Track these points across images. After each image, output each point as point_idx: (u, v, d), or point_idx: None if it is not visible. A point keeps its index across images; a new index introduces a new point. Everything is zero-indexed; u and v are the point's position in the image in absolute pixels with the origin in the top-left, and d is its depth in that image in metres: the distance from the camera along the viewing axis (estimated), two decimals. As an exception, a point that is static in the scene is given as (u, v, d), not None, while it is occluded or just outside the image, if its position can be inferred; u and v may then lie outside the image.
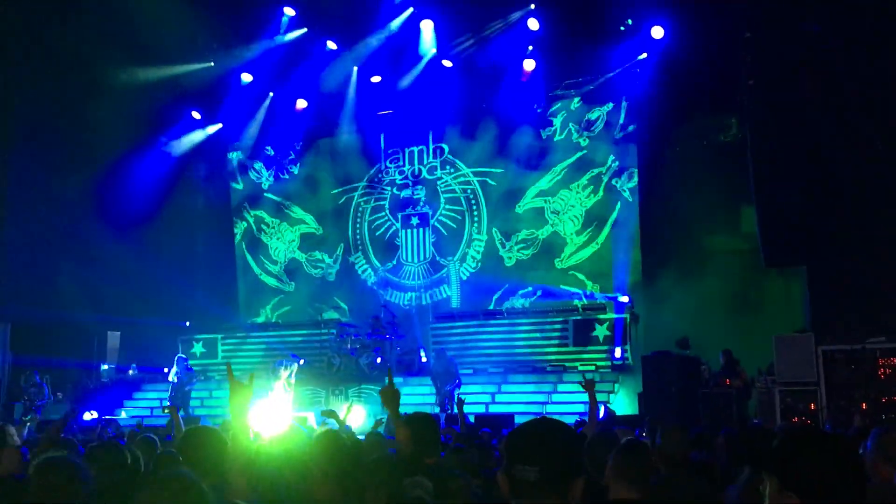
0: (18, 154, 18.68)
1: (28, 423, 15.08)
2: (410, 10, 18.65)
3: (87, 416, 16.07)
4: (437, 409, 15.06)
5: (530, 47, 18.48)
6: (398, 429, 4.48)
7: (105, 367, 20.43)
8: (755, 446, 4.87)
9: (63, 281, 19.27)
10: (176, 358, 18.13)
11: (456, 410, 14.51)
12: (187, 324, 21.50)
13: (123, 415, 18.07)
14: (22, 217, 18.75)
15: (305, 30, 19.18)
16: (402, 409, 4.66)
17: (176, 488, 2.90)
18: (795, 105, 13.94)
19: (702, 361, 14.37)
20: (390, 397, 4.56)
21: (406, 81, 19.60)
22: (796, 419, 12.46)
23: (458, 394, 14.04)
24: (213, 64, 20.04)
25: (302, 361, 17.84)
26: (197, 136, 22.12)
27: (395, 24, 18.71)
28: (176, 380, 17.42)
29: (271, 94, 21.12)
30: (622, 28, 17.42)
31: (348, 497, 3.94)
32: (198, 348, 20.89)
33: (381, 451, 5.34)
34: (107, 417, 16.32)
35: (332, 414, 7.11)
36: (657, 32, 17.07)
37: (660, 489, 4.15)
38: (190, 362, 19.16)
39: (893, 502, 3.87)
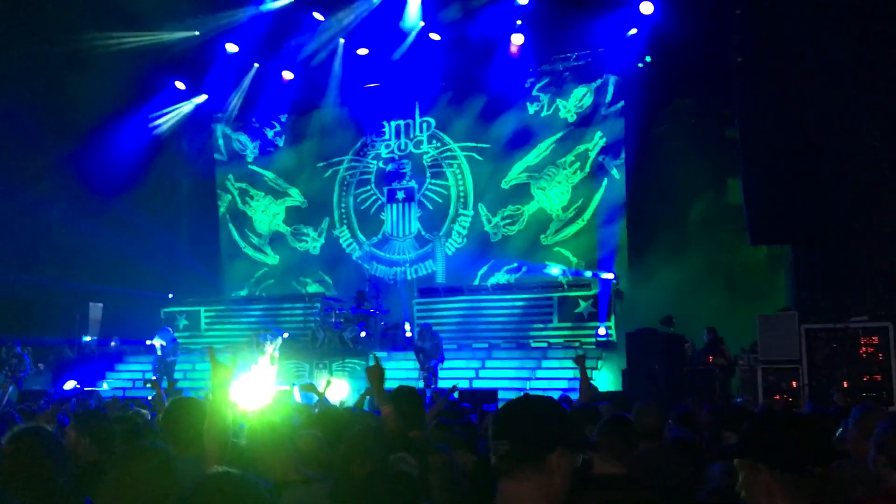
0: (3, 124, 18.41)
1: (8, 390, 15.06)
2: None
3: (69, 385, 15.96)
4: (420, 385, 15.05)
5: (518, 22, 18.31)
6: (383, 406, 4.47)
7: (87, 338, 20.31)
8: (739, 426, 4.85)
9: (45, 253, 19.12)
10: (161, 328, 17.98)
11: (437, 386, 14.61)
12: (170, 296, 21.37)
13: (105, 386, 17.96)
14: (1, 189, 18.52)
15: (292, -1, 18.92)
16: (386, 385, 4.65)
17: (146, 460, 2.91)
18: (784, 84, 13.89)
19: (686, 339, 14.41)
20: (376, 375, 4.61)
21: (394, 55, 19.40)
22: (778, 397, 12.52)
23: (450, 387, 13.98)
24: (197, 33, 19.76)
25: (286, 335, 17.77)
26: (183, 109, 21.90)
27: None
28: (160, 352, 17.31)
29: (256, 64, 20.84)
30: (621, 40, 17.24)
31: (332, 468, 3.91)
32: (181, 321, 20.78)
33: (365, 422, 5.31)
34: (88, 389, 16.24)
35: (311, 387, 7.09)
36: (646, 8, 16.94)
37: (639, 463, 4.14)
38: (173, 333, 19.11)
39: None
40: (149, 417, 6.85)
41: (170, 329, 18.32)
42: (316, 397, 6.72)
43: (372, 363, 4.69)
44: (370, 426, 4.08)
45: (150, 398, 10.30)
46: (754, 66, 14.41)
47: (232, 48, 20.18)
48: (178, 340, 18.38)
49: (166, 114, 21.54)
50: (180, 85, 21.11)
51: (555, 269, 18.41)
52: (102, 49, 18.23)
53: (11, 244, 18.63)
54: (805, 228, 14.00)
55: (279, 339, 16.97)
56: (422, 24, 18.77)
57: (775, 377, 12.74)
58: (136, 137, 20.46)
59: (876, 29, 13.13)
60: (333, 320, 17.94)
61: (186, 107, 21.96)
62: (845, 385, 12.23)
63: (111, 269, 19.69)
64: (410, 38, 19.09)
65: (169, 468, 2.93)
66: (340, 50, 20.17)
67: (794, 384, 12.69)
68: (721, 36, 15.38)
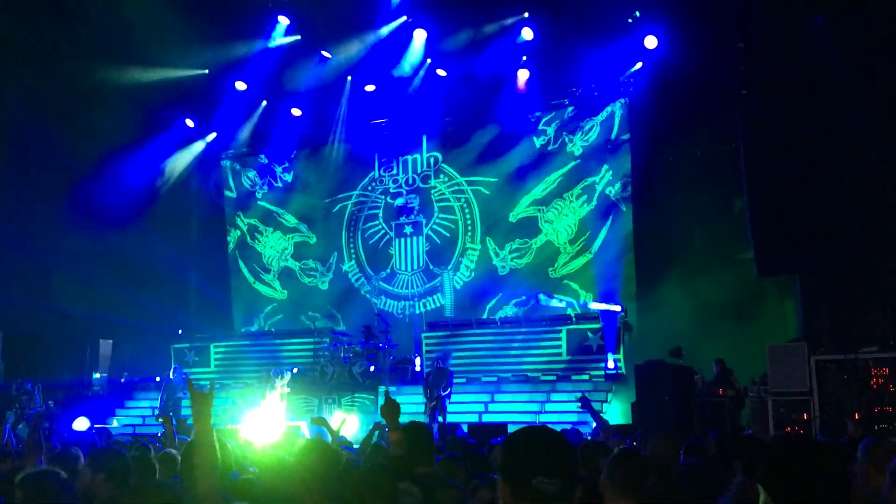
0: (8, 161, 18.62)
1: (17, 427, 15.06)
2: (404, 17, 18.61)
3: (79, 423, 15.98)
4: (426, 419, 14.98)
5: (524, 57, 18.50)
6: (392, 432, 4.47)
7: (97, 375, 20.35)
8: (746, 455, 4.86)
9: (55, 290, 19.22)
10: (173, 367, 17.99)
11: (446, 420, 14.53)
12: (180, 332, 21.41)
13: (115, 423, 17.97)
14: (13, 226, 18.69)
15: (299, 37, 19.13)
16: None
17: (158, 495, 2.96)
18: (788, 115, 13.98)
19: (695, 371, 14.35)
20: (390, 411, 4.60)
21: (401, 90, 19.58)
22: (789, 429, 12.45)
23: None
24: (206, 71, 20.01)
25: (295, 370, 17.77)
26: (195, 148, 22.10)
27: (388, 31, 18.65)
28: (171, 386, 17.22)
29: (265, 102, 21.06)
30: (630, 21, 17.27)
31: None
32: (190, 357, 20.80)
33: (375, 459, 5.33)
34: (98, 426, 16.25)
35: (322, 422, 7.06)
36: (650, 42, 17.11)
37: (649, 496, 4.14)
38: (183, 370, 19.14)
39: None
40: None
41: (181, 367, 18.32)
42: (328, 434, 6.68)
43: (383, 400, 4.69)
44: (378, 463, 4.09)
45: (159, 434, 10.32)
46: (758, 97, 14.52)
47: (241, 86, 20.41)
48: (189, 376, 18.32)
49: (178, 160, 21.77)
50: (190, 123, 21.32)
51: (558, 303, 18.34)
52: (114, 87, 18.45)
53: (23, 281, 18.76)
54: (812, 258, 13.99)
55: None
56: (428, 61, 18.96)
57: (786, 409, 12.68)
58: (147, 173, 20.64)
59: (880, 62, 13.23)
60: (342, 355, 17.93)
61: (197, 146, 22.17)
62: (857, 416, 12.16)
63: (121, 306, 19.78)
64: (415, 74, 19.29)
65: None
66: (348, 86, 20.37)
67: (804, 416, 12.62)
68: (725, 68, 15.50)
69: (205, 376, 20.23)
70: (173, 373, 17.45)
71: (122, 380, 19.94)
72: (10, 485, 4.22)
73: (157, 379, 18.26)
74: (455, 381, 15.77)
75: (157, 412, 17.23)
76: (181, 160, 22.05)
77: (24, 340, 18.97)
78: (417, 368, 18.00)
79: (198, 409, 3.60)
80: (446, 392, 15.07)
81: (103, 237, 19.46)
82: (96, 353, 20.47)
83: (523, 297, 19.09)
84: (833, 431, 10.89)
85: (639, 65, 17.68)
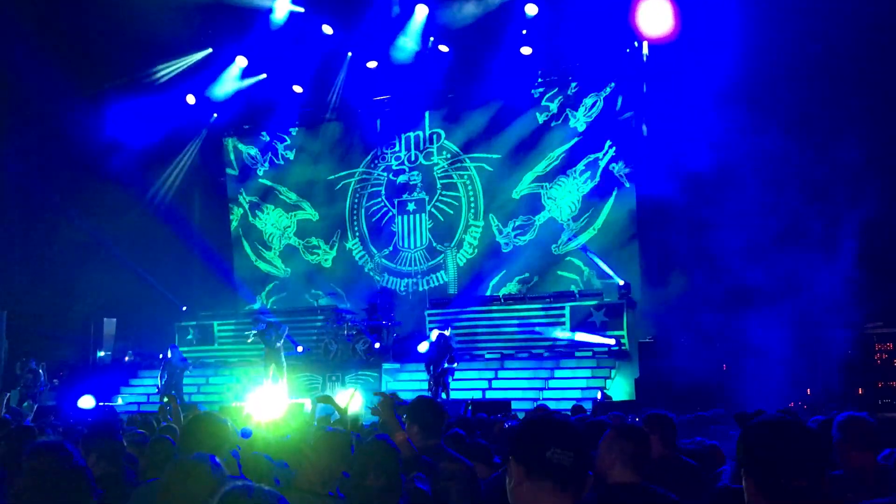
0: (11, 145, 18.55)
1: (25, 411, 15.08)
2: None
3: (85, 401, 16.02)
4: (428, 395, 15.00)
5: (524, 31, 18.32)
6: (396, 434, 4.49)
7: (101, 353, 20.42)
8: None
9: (59, 269, 19.25)
10: (169, 346, 17.90)
11: (444, 396, 14.55)
12: (184, 308, 21.45)
13: (120, 401, 18.04)
14: (17, 206, 18.69)
15: (302, 9, 18.95)
16: (401, 395, 4.71)
17: (198, 472, 3.01)
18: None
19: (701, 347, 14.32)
20: (387, 406, 4.72)
21: (402, 65, 19.45)
22: (792, 404, 12.46)
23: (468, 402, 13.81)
24: (210, 50, 19.91)
25: (300, 349, 17.81)
26: (197, 125, 22.03)
27: (393, 9, 18.50)
28: (170, 363, 17.19)
29: (264, 75, 20.85)
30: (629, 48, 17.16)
31: (345, 480, 3.93)
32: (193, 334, 20.85)
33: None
34: (102, 404, 16.31)
35: (328, 400, 7.05)
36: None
37: (652, 472, 4.14)
38: (185, 348, 19.24)
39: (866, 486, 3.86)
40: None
41: (176, 346, 18.18)
42: (335, 411, 6.68)
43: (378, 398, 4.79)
44: (381, 442, 4.10)
45: (157, 410, 10.34)
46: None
47: (242, 62, 20.30)
48: (188, 358, 18.24)
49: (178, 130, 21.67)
50: (191, 99, 21.20)
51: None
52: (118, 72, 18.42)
53: (27, 261, 18.79)
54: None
55: (255, 331, 16.89)
56: (431, 38, 18.82)
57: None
58: (148, 154, 20.56)
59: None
60: (346, 332, 17.96)
61: (199, 123, 22.10)
62: (860, 392, 12.18)
63: (125, 284, 19.82)
64: (416, 49, 19.13)
65: (220, 479, 3.04)
66: (349, 62, 20.25)
67: (808, 391, 12.64)
68: (731, 43, 15.38)
69: (208, 354, 20.34)
70: (170, 352, 17.39)
71: (127, 359, 19.98)
72: (17, 457, 4.25)
73: (161, 356, 18.25)
74: (457, 359, 15.77)
75: (160, 392, 17.26)
76: (183, 137, 21.96)
77: (28, 320, 19.00)
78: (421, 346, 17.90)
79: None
80: (452, 365, 15.02)
81: (106, 217, 19.44)
82: (100, 331, 20.52)
83: (526, 274, 19.03)
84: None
85: (645, 43, 17.54)
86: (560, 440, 2.22)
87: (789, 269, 13.66)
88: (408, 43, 19.00)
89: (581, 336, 16.75)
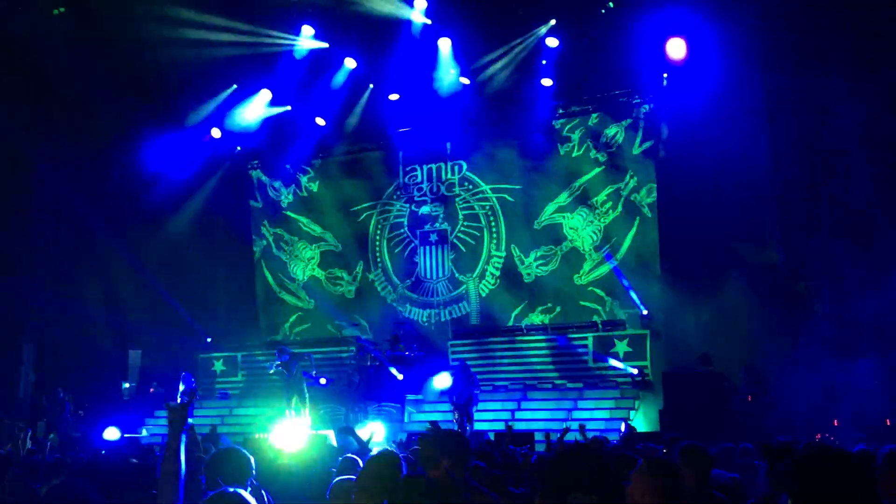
0: (43, 177, 18.87)
1: (50, 442, 15.20)
2: (428, 21, 18.54)
3: (110, 433, 16.11)
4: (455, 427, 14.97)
5: (544, 62, 18.42)
6: (433, 469, 4.49)
7: (126, 385, 20.55)
8: (775, 464, 4.80)
9: (85, 300, 19.45)
10: (182, 375, 17.83)
11: (473, 429, 14.51)
12: (209, 339, 21.57)
13: (144, 433, 18.12)
14: (46, 238, 18.95)
15: (327, 44, 19.19)
16: (421, 428, 4.73)
17: None
18: (816, 116, 13.90)
19: (724, 377, 14.24)
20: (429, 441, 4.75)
21: (424, 96, 19.61)
22: (819, 436, 12.33)
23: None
24: (235, 87, 20.19)
25: (324, 381, 17.82)
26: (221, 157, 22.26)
27: (416, 31, 18.57)
28: (179, 399, 17.18)
29: (289, 107, 21.05)
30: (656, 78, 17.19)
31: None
32: (218, 366, 20.94)
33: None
34: (127, 436, 16.39)
35: (350, 432, 7.10)
36: (677, 49, 16.97)
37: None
38: (210, 380, 19.33)
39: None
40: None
41: (190, 375, 18.11)
42: (355, 443, 6.72)
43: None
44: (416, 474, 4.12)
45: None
46: (780, 106, 14.45)
47: (266, 95, 20.54)
48: (196, 386, 18.19)
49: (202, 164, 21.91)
50: (216, 133, 21.43)
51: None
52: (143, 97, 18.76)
53: (54, 293, 19.01)
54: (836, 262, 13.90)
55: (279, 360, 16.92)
56: (451, 71, 18.97)
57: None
58: (175, 186, 20.80)
59: None
60: (369, 364, 17.98)
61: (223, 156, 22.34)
62: (888, 423, 12.04)
63: (150, 316, 20.02)
64: (439, 82, 19.29)
65: None
66: (371, 95, 20.41)
67: (835, 422, 12.52)
68: (751, 74, 15.44)
69: (232, 385, 20.42)
70: (182, 381, 17.38)
71: (152, 390, 20.10)
72: (36, 496, 4.31)
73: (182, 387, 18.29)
74: (482, 387, 15.76)
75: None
76: (208, 170, 22.19)
77: (54, 351, 19.21)
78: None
79: (171, 418, 3.69)
80: (476, 391, 15.03)
81: (133, 248, 19.67)
82: (125, 363, 20.68)
83: (549, 305, 18.97)
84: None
85: (665, 75, 17.60)
86: (581, 482, 2.19)
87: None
88: (431, 76, 19.14)
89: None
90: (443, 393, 16.64)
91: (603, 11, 16.93)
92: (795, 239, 14.36)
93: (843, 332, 13.86)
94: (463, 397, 15.00)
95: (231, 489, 3.32)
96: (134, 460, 8.47)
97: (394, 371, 17.43)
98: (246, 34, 18.07)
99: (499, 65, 18.56)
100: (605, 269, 18.61)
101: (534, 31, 18.08)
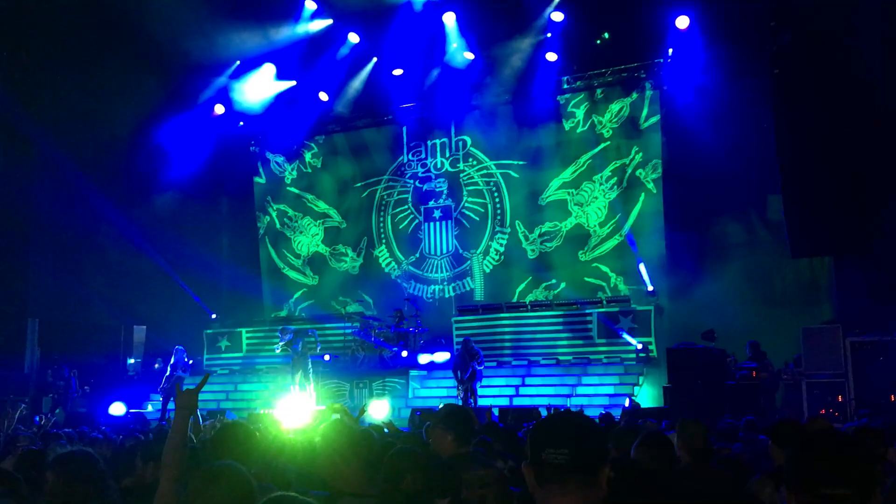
0: (46, 156, 18.83)
1: (55, 418, 15.29)
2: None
3: (115, 408, 16.20)
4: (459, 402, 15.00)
5: (548, 34, 18.30)
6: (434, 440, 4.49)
7: (131, 361, 20.63)
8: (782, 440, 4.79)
9: (89, 277, 19.47)
10: (174, 349, 17.76)
11: (476, 404, 14.55)
12: (214, 316, 21.63)
13: (150, 408, 18.19)
14: (49, 216, 18.93)
15: (331, 21, 19.07)
16: (424, 403, 4.73)
17: (226, 480, 3.02)
18: (822, 97, 13.77)
19: (728, 353, 14.24)
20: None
21: (428, 74, 19.52)
22: (823, 411, 12.34)
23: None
24: (238, 63, 20.10)
25: (327, 357, 17.87)
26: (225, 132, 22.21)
27: (417, 6, 18.44)
28: (169, 371, 17.18)
29: (294, 82, 20.92)
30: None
31: (375, 482, 3.93)
32: (223, 342, 21.00)
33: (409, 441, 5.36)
34: (133, 411, 16.47)
35: (340, 409, 7.07)
36: (682, 22, 16.86)
37: (682, 478, 4.13)
38: (215, 356, 19.43)
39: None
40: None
41: (183, 349, 18.04)
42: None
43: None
44: (414, 446, 4.11)
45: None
46: (791, 79, 14.30)
47: (269, 70, 20.43)
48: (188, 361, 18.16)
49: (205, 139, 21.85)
50: (219, 109, 21.38)
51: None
52: (145, 82, 18.75)
53: (58, 269, 19.04)
54: (846, 239, 13.83)
55: (286, 338, 16.95)
56: (454, 44, 18.85)
57: (820, 391, 12.59)
58: (178, 164, 20.76)
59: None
60: (373, 339, 18.01)
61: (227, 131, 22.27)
62: (892, 399, 12.03)
63: (154, 292, 20.06)
64: (444, 57, 19.19)
65: (250, 488, 3.06)
66: (374, 70, 20.31)
67: (839, 398, 12.51)
68: (757, 49, 15.30)
69: (236, 361, 20.48)
70: (175, 355, 17.34)
71: (156, 366, 20.16)
72: (42, 466, 4.32)
73: (190, 362, 18.32)
74: (486, 363, 15.77)
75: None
76: (212, 147, 22.11)
77: (59, 327, 19.27)
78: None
79: (180, 402, 3.67)
80: (479, 367, 15.04)
81: (136, 226, 19.66)
82: (130, 339, 20.75)
83: (553, 281, 18.97)
84: (868, 414, 10.80)
85: (670, 50, 17.49)
86: (553, 440, 2.17)
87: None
88: (434, 51, 19.03)
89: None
90: (446, 367, 16.68)
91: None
92: (801, 215, 14.25)
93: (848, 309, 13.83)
94: (466, 373, 15.02)
95: (225, 463, 3.30)
96: (139, 434, 8.49)
97: (385, 350, 17.51)
98: (250, 7, 17.99)
99: (504, 40, 18.44)
100: (610, 245, 18.57)
101: (539, 5, 17.94)
